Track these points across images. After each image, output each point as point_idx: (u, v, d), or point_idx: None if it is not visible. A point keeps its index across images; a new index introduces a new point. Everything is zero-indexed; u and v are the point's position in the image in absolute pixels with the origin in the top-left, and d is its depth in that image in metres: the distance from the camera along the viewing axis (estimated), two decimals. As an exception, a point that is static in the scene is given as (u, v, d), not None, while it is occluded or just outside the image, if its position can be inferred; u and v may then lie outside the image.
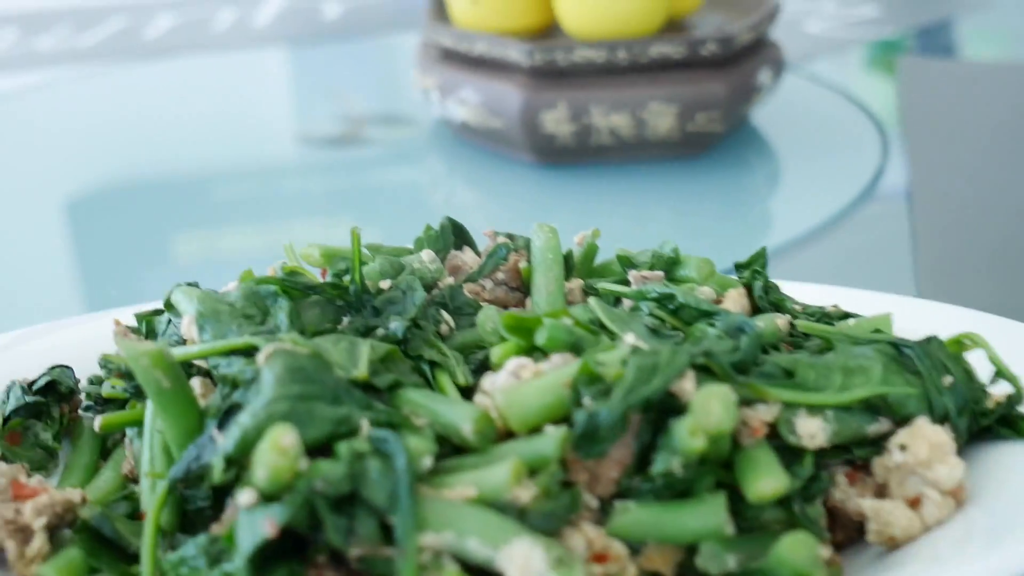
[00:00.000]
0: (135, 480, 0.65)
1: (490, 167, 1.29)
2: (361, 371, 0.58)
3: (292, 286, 0.64)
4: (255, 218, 1.36)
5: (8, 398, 0.69)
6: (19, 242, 1.28)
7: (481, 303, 0.69)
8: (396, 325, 0.63)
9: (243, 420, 0.53)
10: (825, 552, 0.54)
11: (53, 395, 0.70)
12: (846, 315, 0.70)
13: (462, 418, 0.55)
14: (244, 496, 0.51)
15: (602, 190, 1.21)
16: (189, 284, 0.69)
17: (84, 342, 0.75)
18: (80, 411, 0.70)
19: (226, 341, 0.60)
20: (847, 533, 0.61)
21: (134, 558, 0.59)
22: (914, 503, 0.58)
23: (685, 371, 0.55)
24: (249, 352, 0.59)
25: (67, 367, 0.71)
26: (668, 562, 0.55)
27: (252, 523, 0.51)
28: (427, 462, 0.53)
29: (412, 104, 1.53)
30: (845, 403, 0.58)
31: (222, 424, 0.57)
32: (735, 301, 0.68)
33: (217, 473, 0.53)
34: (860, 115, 1.37)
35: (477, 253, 0.74)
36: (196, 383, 0.62)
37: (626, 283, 0.70)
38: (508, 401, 0.56)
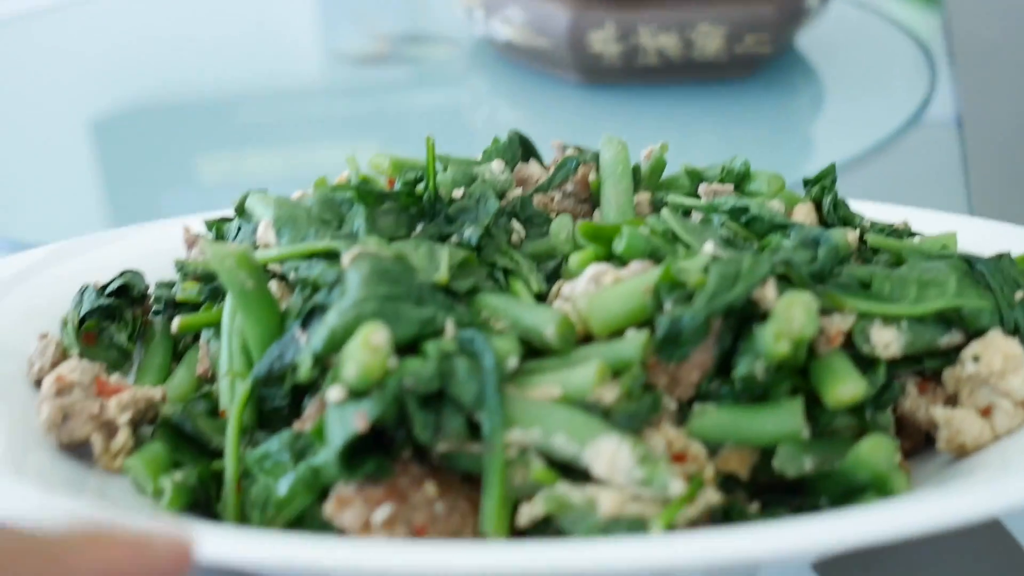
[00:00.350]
0: (209, 380, 0.66)
1: (534, 87, 1.29)
2: (442, 275, 0.58)
3: (367, 193, 0.64)
4: (282, 140, 1.35)
5: (82, 300, 0.69)
6: (43, 163, 1.28)
7: (550, 214, 0.69)
8: (470, 233, 0.64)
9: (330, 319, 0.54)
10: (896, 457, 0.55)
11: (125, 298, 0.70)
12: (911, 233, 0.70)
13: (544, 321, 0.56)
14: (334, 392, 0.52)
15: (648, 111, 1.20)
16: (259, 191, 0.70)
17: (151, 248, 0.76)
18: (151, 315, 0.71)
19: (307, 244, 0.61)
20: (914, 442, 0.62)
21: (215, 454, 0.60)
22: (985, 413, 0.59)
23: (767, 278, 0.55)
24: (330, 256, 0.60)
25: (138, 272, 0.72)
26: (744, 464, 0.56)
27: (342, 418, 0.52)
28: (513, 362, 0.54)
29: (446, 23, 1.51)
30: (920, 314, 0.59)
31: (305, 324, 0.57)
32: (804, 216, 0.68)
33: (304, 371, 0.54)
34: (904, 39, 1.36)
35: (543, 166, 0.74)
36: (272, 286, 0.63)
37: (695, 197, 0.70)
38: (591, 306, 0.56)
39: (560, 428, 0.51)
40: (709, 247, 0.59)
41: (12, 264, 0.73)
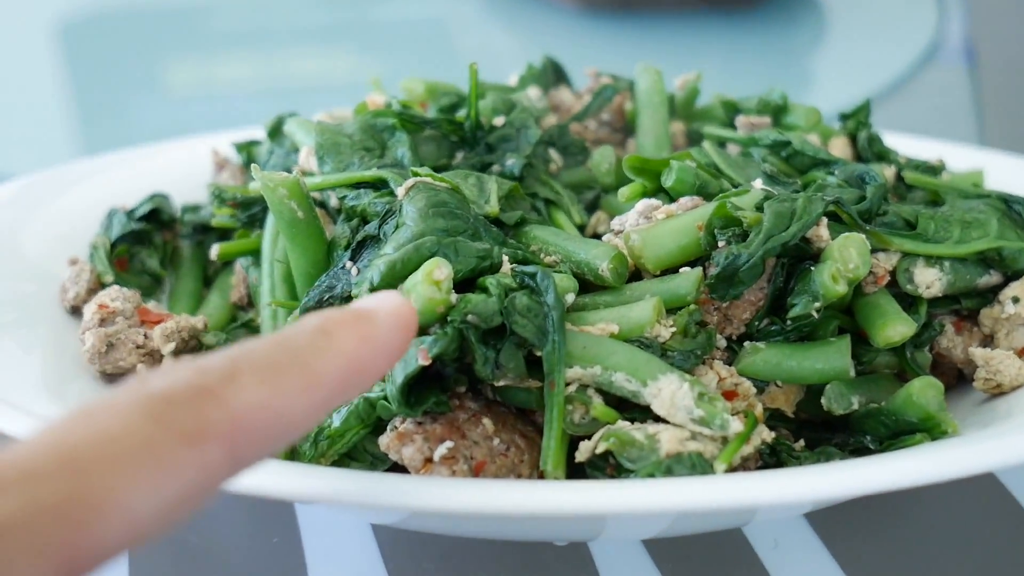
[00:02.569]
0: (243, 308, 0.66)
1: (529, 12, 1.26)
2: (493, 207, 0.58)
3: (409, 120, 0.63)
4: (256, 48, 1.32)
5: (111, 224, 0.68)
6: (8, 67, 1.24)
7: (585, 143, 0.69)
8: (512, 163, 0.63)
9: (388, 252, 0.54)
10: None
11: (155, 222, 0.69)
12: (943, 169, 0.71)
13: (598, 256, 0.56)
14: (394, 327, 0.52)
15: (647, 41, 1.19)
16: (290, 114, 0.69)
17: (176, 169, 0.74)
18: (180, 239, 0.70)
19: (355, 173, 0.60)
20: (947, 380, 0.63)
21: (259, 384, 0.59)
22: (1022, 353, 0.60)
23: (820, 218, 0.55)
24: (376, 185, 0.59)
25: (166, 195, 0.71)
26: (790, 401, 0.57)
27: (405, 355, 0.51)
28: (571, 298, 0.54)
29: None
30: (964, 255, 0.59)
31: (355, 256, 0.57)
32: (840, 151, 0.68)
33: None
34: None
35: (574, 92, 0.74)
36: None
37: (730, 128, 0.70)
38: (644, 241, 0.56)
39: (621, 366, 0.51)
40: (759, 183, 0.59)
41: (33, 185, 0.72)
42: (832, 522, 0.61)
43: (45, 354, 0.60)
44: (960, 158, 0.77)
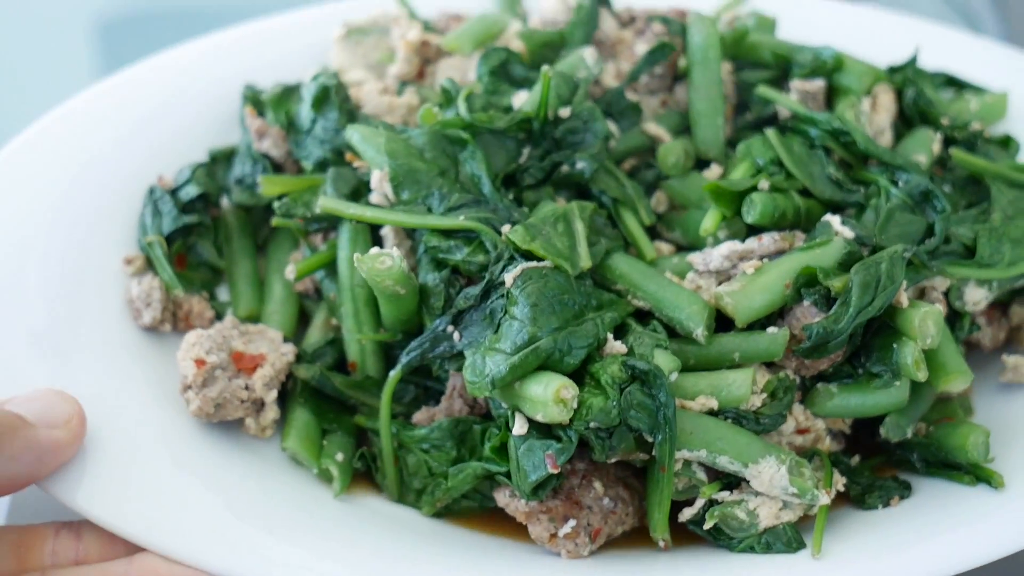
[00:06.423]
0: (307, 296, 0.67)
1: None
2: (586, 262, 0.59)
3: (478, 129, 0.62)
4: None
5: (158, 211, 0.66)
6: (48, 64, 1.09)
7: (634, 99, 0.68)
8: (583, 166, 0.63)
9: (505, 350, 0.55)
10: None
11: (202, 203, 0.67)
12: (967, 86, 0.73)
13: (692, 318, 0.59)
14: (518, 426, 0.55)
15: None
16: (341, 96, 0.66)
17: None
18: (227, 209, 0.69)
19: (442, 219, 0.59)
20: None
21: (354, 408, 0.63)
22: (1045, 350, 0.67)
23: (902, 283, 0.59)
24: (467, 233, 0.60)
25: (207, 165, 0.69)
26: (848, 422, 0.63)
27: (531, 455, 0.55)
28: (675, 377, 0.57)
29: None
30: (1013, 276, 0.64)
31: (456, 321, 0.59)
32: (885, 103, 0.69)
33: (483, 392, 0.55)
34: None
35: (616, 18, 0.71)
36: (388, 233, 0.62)
37: (779, 79, 0.70)
38: (736, 303, 0.59)
39: (726, 451, 0.57)
40: (836, 223, 0.61)
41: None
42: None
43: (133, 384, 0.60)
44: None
